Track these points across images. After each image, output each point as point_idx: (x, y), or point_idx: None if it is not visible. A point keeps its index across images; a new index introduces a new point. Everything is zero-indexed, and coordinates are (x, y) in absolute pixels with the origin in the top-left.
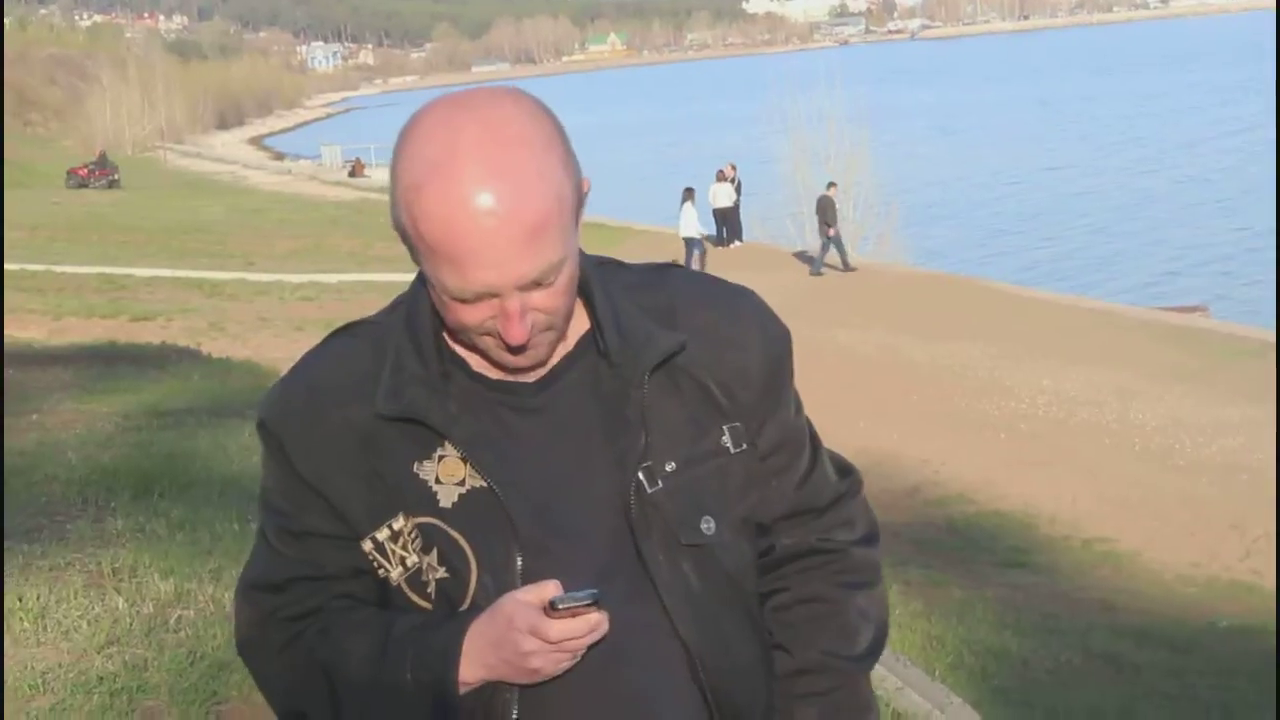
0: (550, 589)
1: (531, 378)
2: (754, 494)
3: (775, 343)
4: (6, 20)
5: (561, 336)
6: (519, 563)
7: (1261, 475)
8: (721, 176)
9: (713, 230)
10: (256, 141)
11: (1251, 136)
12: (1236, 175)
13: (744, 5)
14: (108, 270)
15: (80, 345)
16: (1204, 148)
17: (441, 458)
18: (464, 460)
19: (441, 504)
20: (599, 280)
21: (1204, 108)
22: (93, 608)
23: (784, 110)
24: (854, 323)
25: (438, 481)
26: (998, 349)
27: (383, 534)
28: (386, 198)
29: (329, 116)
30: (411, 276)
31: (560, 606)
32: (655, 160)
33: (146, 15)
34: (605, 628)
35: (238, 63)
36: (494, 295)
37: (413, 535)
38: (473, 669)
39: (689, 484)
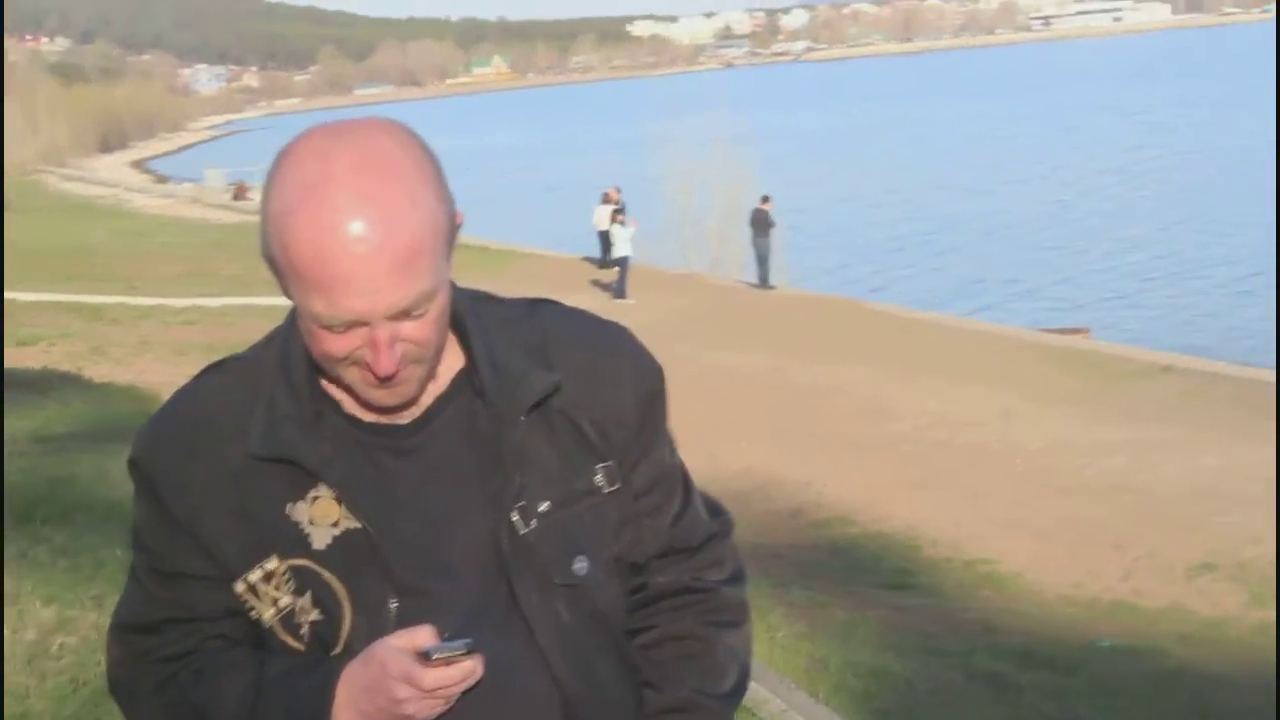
0: (424, 635)
1: (405, 419)
2: (627, 533)
3: (648, 381)
4: None
5: (431, 371)
6: (393, 605)
7: (1143, 495)
8: (606, 199)
9: (596, 251)
10: (139, 165)
11: (1134, 158)
12: (1120, 197)
13: (628, 28)
14: None
15: None
16: (1087, 170)
17: (315, 498)
18: (338, 501)
19: (315, 545)
20: (474, 316)
21: (1087, 130)
22: None
23: (668, 133)
24: (738, 344)
25: (311, 523)
26: (881, 371)
27: (255, 575)
28: None
29: (212, 139)
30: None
31: (434, 657)
32: (539, 184)
33: (29, 37)
34: (479, 674)
35: (121, 85)
36: (363, 324)
37: (285, 577)
38: (346, 714)
39: (562, 524)
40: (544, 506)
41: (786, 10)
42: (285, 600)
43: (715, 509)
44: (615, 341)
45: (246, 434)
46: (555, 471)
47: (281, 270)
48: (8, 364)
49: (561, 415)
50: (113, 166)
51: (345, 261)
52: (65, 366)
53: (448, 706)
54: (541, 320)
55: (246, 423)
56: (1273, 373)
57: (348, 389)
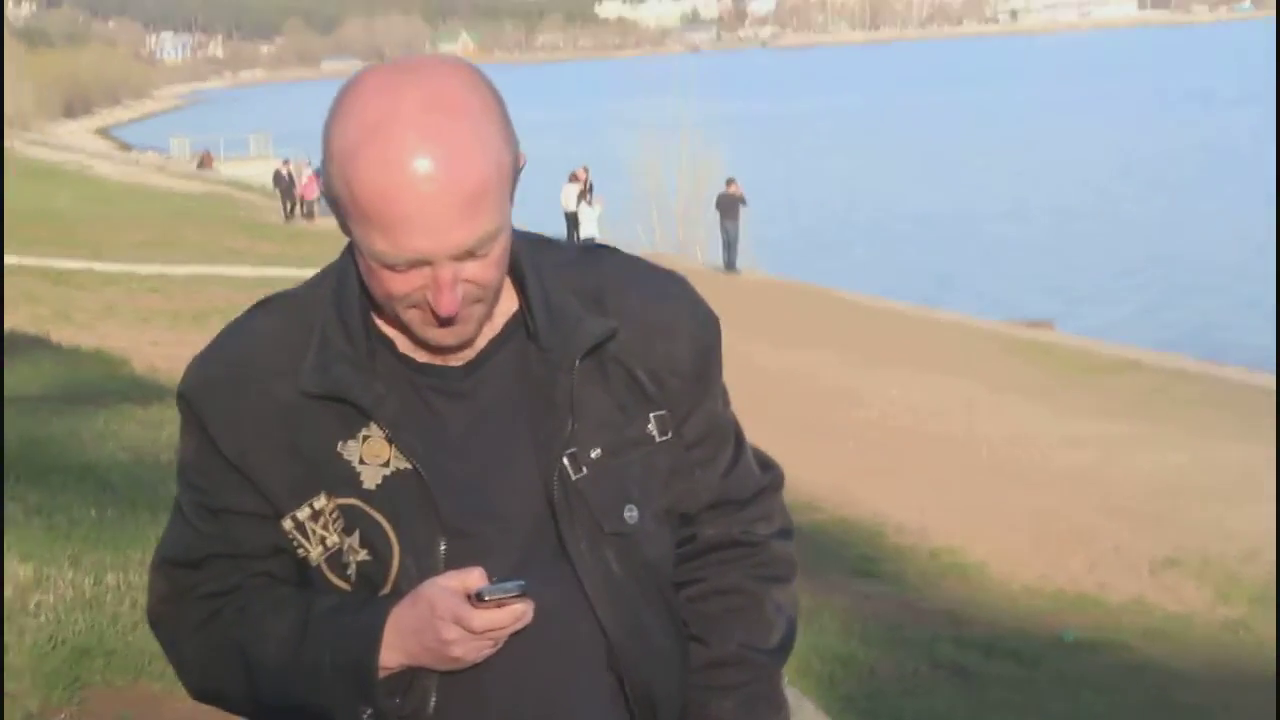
0: (475, 577)
1: (458, 361)
2: (678, 484)
3: (705, 331)
4: None
5: (490, 311)
6: (442, 546)
7: (1108, 488)
8: (574, 178)
9: (563, 231)
10: (103, 132)
11: (1100, 152)
12: (1089, 192)
13: (596, 9)
14: None
15: None
16: (1053, 163)
17: (366, 438)
18: (389, 441)
19: (365, 485)
20: (530, 260)
21: (1053, 123)
22: None
23: (635, 115)
24: None
25: (361, 462)
26: (848, 357)
27: (303, 513)
28: (233, 192)
29: (177, 108)
30: (262, 271)
31: (486, 598)
32: None
33: None
34: (529, 618)
35: (86, 51)
36: (426, 263)
37: (334, 515)
38: (393, 654)
39: (614, 471)
40: (596, 453)
41: None
42: (333, 539)
43: (765, 463)
44: (673, 290)
45: (298, 371)
46: (608, 419)
47: (345, 207)
48: None
49: (616, 362)
50: (77, 133)
51: (411, 200)
52: (30, 329)
53: (495, 650)
54: (599, 266)
55: (298, 360)
56: (1240, 370)
57: (402, 328)
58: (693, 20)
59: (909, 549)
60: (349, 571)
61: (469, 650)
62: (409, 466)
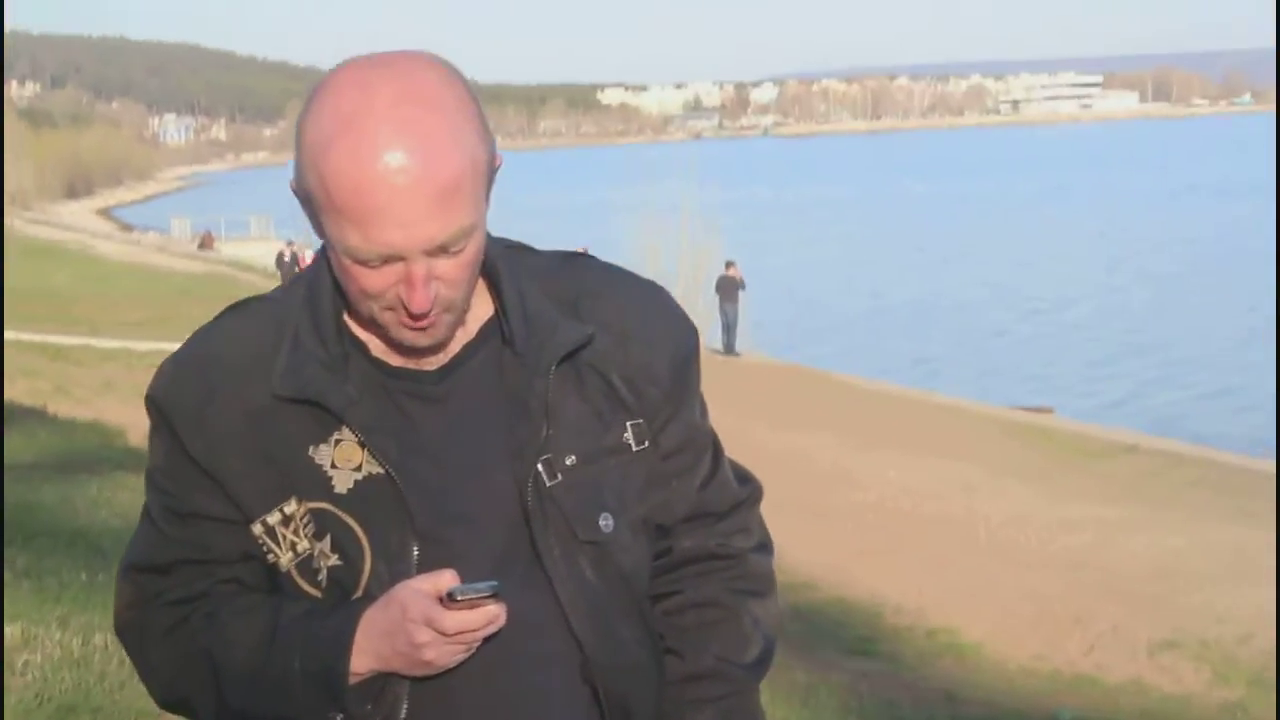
0: (446, 579)
1: (432, 365)
2: (655, 494)
3: (683, 340)
4: None
5: (463, 314)
6: (415, 552)
7: (1105, 572)
8: None
9: None
10: (105, 212)
11: (1100, 242)
12: (1084, 282)
13: (598, 95)
14: None
15: None
16: (1054, 252)
17: (338, 442)
18: (362, 445)
19: (336, 489)
20: (506, 264)
21: (1053, 213)
22: None
23: (635, 200)
24: None
25: (333, 466)
26: (846, 440)
27: (273, 518)
28: (235, 272)
29: (179, 190)
30: None
31: (459, 598)
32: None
33: None
34: (502, 620)
35: (89, 132)
36: (399, 259)
37: (305, 520)
38: (364, 659)
39: (589, 479)
40: (571, 460)
41: (756, 84)
42: (303, 545)
43: (743, 477)
44: (651, 299)
45: (269, 374)
46: (584, 426)
47: (318, 203)
48: None
49: (592, 369)
50: (78, 213)
51: (384, 193)
52: (29, 403)
53: (469, 654)
54: (577, 273)
55: (269, 362)
56: (1238, 456)
57: (376, 331)
58: (695, 108)
59: (906, 629)
60: (320, 577)
61: (441, 654)
62: (381, 471)
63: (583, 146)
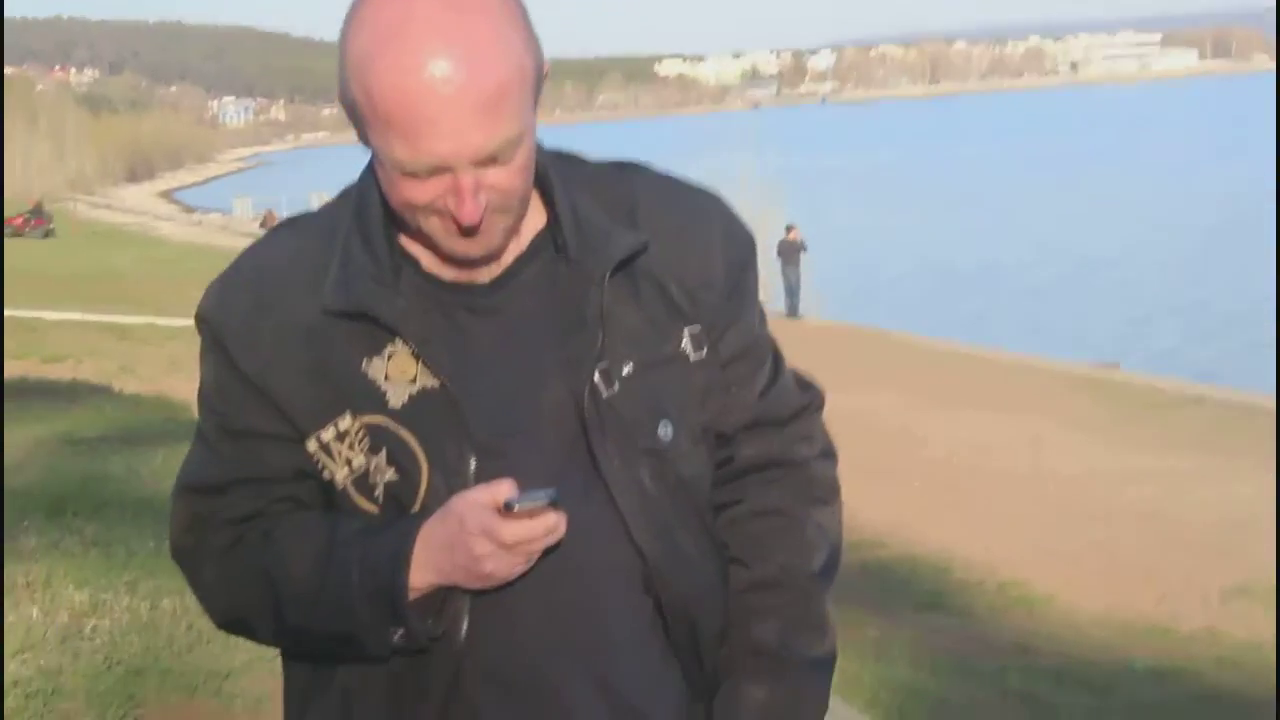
0: (504, 489)
1: (485, 277)
2: (714, 402)
3: (740, 247)
4: None
5: (516, 222)
6: (472, 464)
7: (1175, 522)
8: None
9: None
10: (167, 195)
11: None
12: (1148, 236)
13: (655, 68)
14: (16, 314)
15: None
16: (1118, 210)
17: (391, 355)
18: (416, 357)
19: (391, 403)
20: (559, 174)
21: (1117, 173)
22: (5, 617)
23: (695, 170)
24: None
25: (387, 379)
26: (913, 399)
27: (328, 434)
28: None
29: (240, 171)
30: None
31: (516, 508)
32: None
33: (58, 68)
34: (562, 530)
35: (149, 116)
36: (447, 170)
37: (360, 435)
38: (423, 573)
39: (647, 387)
40: (628, 369)
41: (813, 51)
42: (359, 460)
43: (805, 384)
44: (707, 206)
45: (320, 289)
46: (640, 334)
47: (362, 115)
48: (37, 376)
49: (648, 277)
50: (140, 196)
51: (430, 103)
52: (95, 381)
53: (528, 566)
54: (630, 181)
55: (320, 277)
56: None
57: (427, 244)
58: (753, 77)
59: (976, 584)
60: (376, 493)
61: (501, 565)
62: (436, 384)
63: (641, 119)
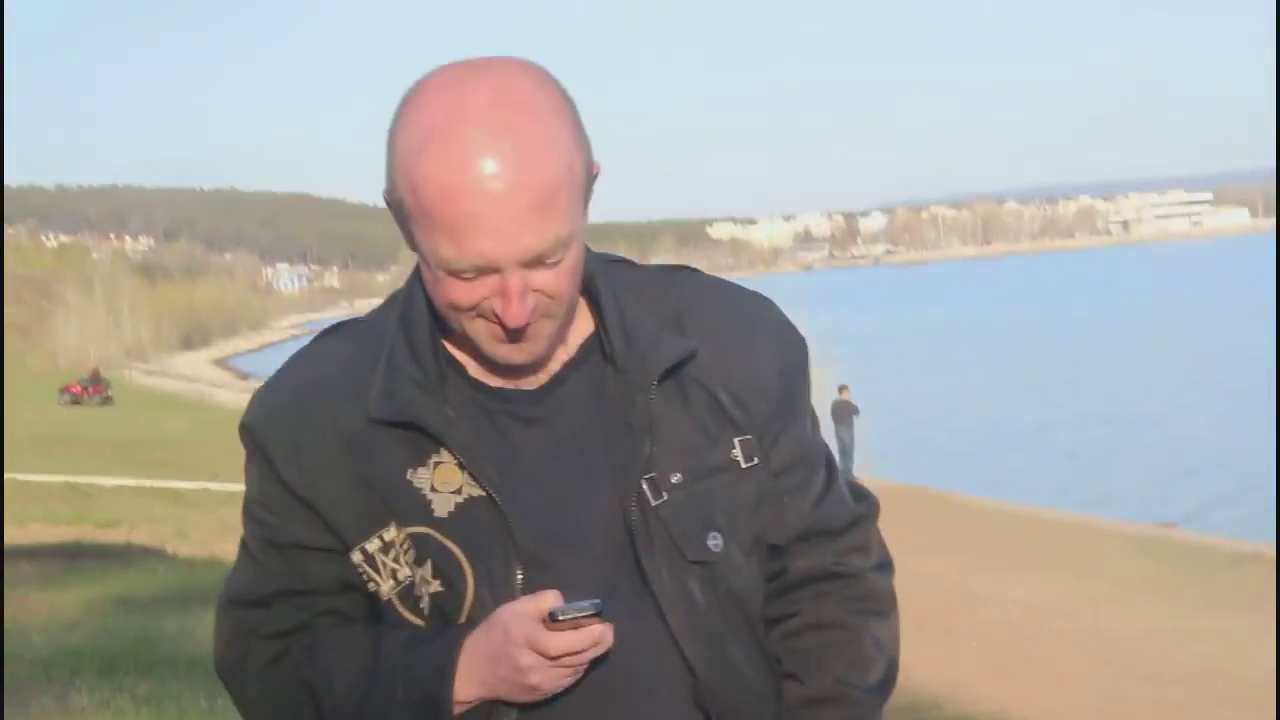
0: (549, 599)
1: (532, 385)
2: (766, 512)
3: (792, 353)
4: None
5: (563, 330)
6: (519, 576)
7: (1235, 681)
8: None
9: None
10: (221, 362)
11: (1215, 359)
12: (1197, 397)
13: (708, 230)
14: (72, 479)
15: (44, 543)
16: (1170, 367)
17: (437, 464)
18: (461, 467)
19: (436, 513)
20: (606, 279)
21: (1168, 330)
22: None
23: None
24: None
25: (433, 489)
26: (968, 559)
27: (373, 545)
28: None
29: (294, 338)
30: None
31: (560, 618)
32: None
33: (113, 236)
34: (608, 641)
35: (204, 283)
36: (494, 270)
37: (405, 546)
38: (468, 687)
39: (696, 497)
40: (676, 478)
41: (865, 213)
42: (404, 571)
43: (859, 493)
44: (758, 311)
45: (365, 397)
46: (689, 443)
47: (409, 212)
48: (91, 540)
49: (697, 384)
50: (195, 363)
51: (477, 200)
52: (149, 544)
53: (575, 678)
54: (679, 287)
55: (365, 386)
56: None
57: (473, 350)
58: (805, 239)
59: None
60: (422, 605)
61: (547, 678)
62: (482, 494)
63: None
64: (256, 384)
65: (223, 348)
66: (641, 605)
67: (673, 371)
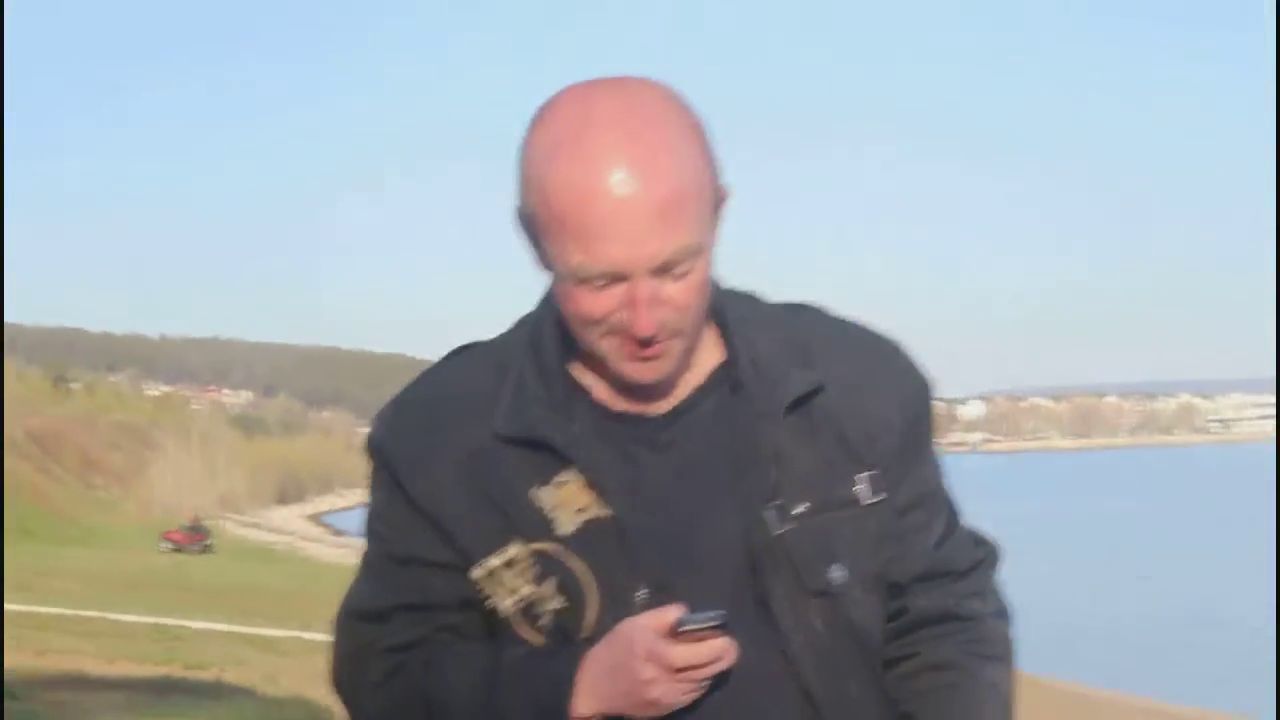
0: (672, 613)
1: (659, 410)
2: (888, 549)
3: (919, 393)
4: (75, 385)
5: (691, 349)
6: (641, 595)
7: None
8: None
9: None
10: (315, 518)
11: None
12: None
13: None
14: (162, 621)
15: (134, 676)
16: (1264, 568)
17: (563, 483)
18: (587, 487)
19: (560, 531)
20: (735, 310)
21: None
22: None
23: None
24: None
25: (557, 508)
26: None
27: (495, 561)
28: None
29: None
30: None
31: (685, 628)
32: None
33: (212, 388)
34: (731, 656)
35: (300, 439)
36: (623, 278)
37: (528, 563)
38: (588, 701)
39: (820, 528)
40: (801, 508)
41: (964, 401)
42: (526, 588)
43: (980, 539)
44: (885, 350)
45: (492, 414)
46: (814, 475)
47: (540, 222)
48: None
49: (824, 419)
50: (289, 517)
51: (607, 204)
52: (238, 683)
53: (695, 695)
54: (807, 322)
55: (492, 403)
56: None
57: (602, 372)
58: None
59: None
60: (542, 622)
61: (668, 691)
62: (607, 514)
63: None
64: (350, 540)
65: (317, 504)
66: (761, 633)
67: (800, 404)
